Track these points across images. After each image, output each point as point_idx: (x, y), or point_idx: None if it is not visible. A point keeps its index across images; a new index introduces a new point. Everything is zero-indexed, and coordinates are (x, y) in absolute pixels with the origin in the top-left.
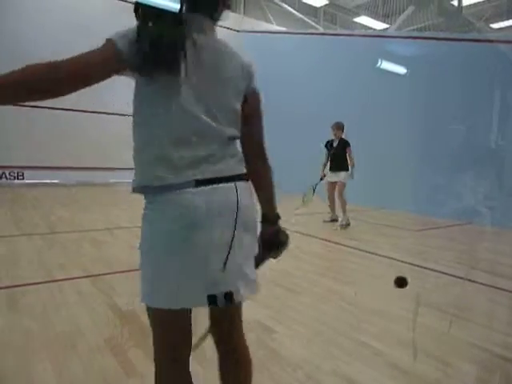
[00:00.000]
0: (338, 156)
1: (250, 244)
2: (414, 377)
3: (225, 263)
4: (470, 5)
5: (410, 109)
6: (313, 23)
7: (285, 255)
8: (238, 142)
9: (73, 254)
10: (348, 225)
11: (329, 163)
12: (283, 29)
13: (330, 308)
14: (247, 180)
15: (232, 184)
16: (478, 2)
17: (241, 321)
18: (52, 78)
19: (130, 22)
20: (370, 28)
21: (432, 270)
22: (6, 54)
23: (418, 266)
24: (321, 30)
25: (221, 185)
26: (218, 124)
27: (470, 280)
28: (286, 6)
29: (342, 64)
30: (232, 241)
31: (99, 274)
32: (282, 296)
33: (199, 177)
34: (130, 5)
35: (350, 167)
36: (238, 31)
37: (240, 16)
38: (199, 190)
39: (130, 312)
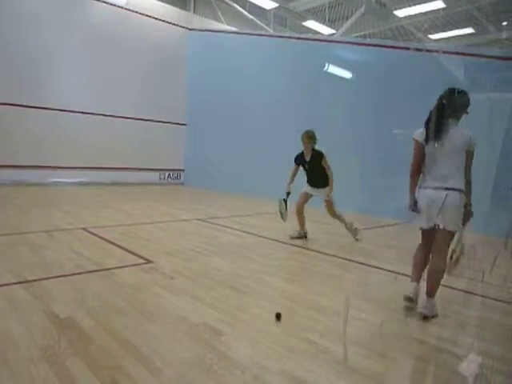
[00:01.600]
0: (315, 171)
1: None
2: (359, 373)
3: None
4: (410, 15)
5: (354, 112)
6: (263, 25)
7: (236, 256)
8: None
9: (6, 259)
10: (356, 232)
11: (307, 181)
12: (233, 28)
13: (277, 307)
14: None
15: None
16: (417, 14)
17: (446, 244)
18: None
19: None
20: (318, 32)
21: (375, 267)
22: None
23: (361, 263)
24: (270, 31)
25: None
26: None
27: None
28: (236, 6)
29: (289, 66)
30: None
31: (35, 280)
32: (230, 297)
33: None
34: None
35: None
36: (189, 29)
37: (190, 14)
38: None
39: (68, 319)
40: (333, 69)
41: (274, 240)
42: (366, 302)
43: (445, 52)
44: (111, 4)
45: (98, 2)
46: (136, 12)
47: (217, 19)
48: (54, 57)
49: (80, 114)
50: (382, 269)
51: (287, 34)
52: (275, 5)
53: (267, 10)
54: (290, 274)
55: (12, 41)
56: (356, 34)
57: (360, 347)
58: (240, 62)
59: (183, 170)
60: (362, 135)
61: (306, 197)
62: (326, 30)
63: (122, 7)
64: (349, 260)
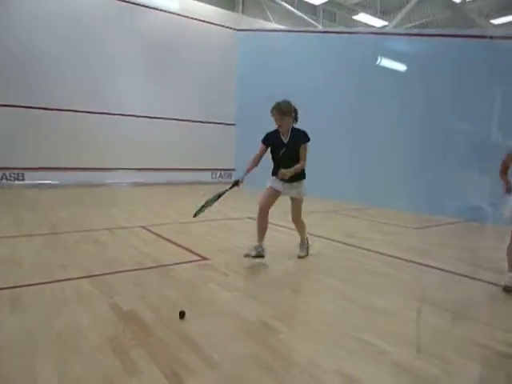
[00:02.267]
0: (291, 159)
1: None
2: (416, 375)
3: None
4: (469, 1)
5: (408, 106)
6: (312, 21)
7: (288, 255)
8: None
9: (74, 255)
10: (307, 250)
11: (273, 167)
12: (282, 27)
13: (333, 307)
14: None
15: None
16: None
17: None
18: None
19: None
20: (369, 25)
21: (432, 267)
22: (11, 53)
23: (417, 263)
24: (320, 27)
25: None
26: None
27: (470, 277)
28: (285, 4)
29: (339, 62)
30: None
31: (100, 274)
32: (284, 296)
33: None
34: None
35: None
36: (237, 30)
37: (239, 15)
38: None
39: (130, 312)
40: (386, 62)
41: (326, 238)
42: (423, 303)
43: (508, 38)
44: (164, 11)
45: (152, 10)
46: (186, 17)
47: (266, 18)
48: (114, 64)
49: (136, 118)
50: (439, 269)
51: (337, 29)
52: (324, 0)
53: (316, 6)
54: (344, 274)
55: (77, 52)
56: (410, 25)
57: (419, 350)
58: (288, 59)
59: (234, 170)
60: (420, 130)
61: (276, 195)
62: (377, 23)
63: (174, 13)
64: (404, 259)
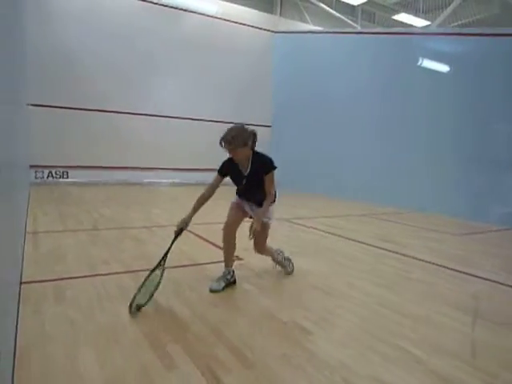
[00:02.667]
0: (255, 187)
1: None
2: None
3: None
4: None
5: (453, 109)
6: (350, 22)
7: (322, 258)
8: None
9: (114, 250)
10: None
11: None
12: (320, 28)
13: (367, 312)
14: None
15: None
16: None
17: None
18: None
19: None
20: (410, 25)
21: (474, 276)
22: (51, 55)
23: (458, 271)
24: (358, 28)
25: None
26: None
27: None
28: (323, 5)
29: (377, 62)
30: None
31: (139, 270)
32: (318, 298)
33: None
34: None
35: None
36: (274, 32)
37: (276, 17)
38: None
39: (168, 308)
40: (428, 63)
41: (361, 242)
42: (464, 313)
43: None
44: (202, 14)
45: (191, 13)
46: (224, 19)
47: (303, 20)
48: (154, 66)
49: (174, 119)
50: (482, 278)
51: (376, 30)
52: (363, 0)
53: (355, 7)
54: (380, 279)
55: (118, 55)
56: (454, 24)
57: (458, 360)
58: (326, 61)
59: None
60: (465, 133)
61: (244, 214)
62: (419, 22)
63: (212, 16)
64: (443, 267)
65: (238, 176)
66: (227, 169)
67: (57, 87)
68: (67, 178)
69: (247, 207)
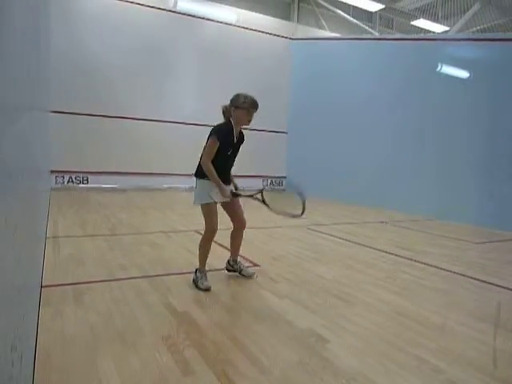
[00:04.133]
0: (233, 158)
1: None
2: None
3: None
4: None
5: (472, 115)
6: (368, 28)
7: (339, 265)
8: None
9: (132, 255)
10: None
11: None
12: (337, 35)
13: (385, 320)
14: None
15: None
16: None
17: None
18: None
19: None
20: (429, 31)
21: (494, 284)
22: (72, 63)
23: (478, 279)
24: (376, 34)
25: None
26: None
27: None
28: (340, 12)
29: (396, 68)
30: None
31: (156, 275)
32: (335, 306)
33: None
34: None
35: None
36: (291, 39)
37: (293, 24)
38: None
39: (185, 313)
40: (446, 69)
41: (379, 250)
42: (484, 323)
43: None
44: (222, 22)
45: (210, 22)
46: (243, 27)
47: (320, 27)
48: (173, 74)
49: (191, 126)
50: (502, 287)
51: (394, 36)
52: (381, 6)
53: (372, 13)
54: (398, 287)
55: (139, 63)
56: (474, 29)
57: (478, 371)
58: (343, 67)
59: (285, 177)
60: (485, 140)
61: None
62: (438, 28)
63: (231, 24)
64: (463, 275)
65: (228, 144)
66: (224, 135)
67: (77, 94)
68: (87, 183)
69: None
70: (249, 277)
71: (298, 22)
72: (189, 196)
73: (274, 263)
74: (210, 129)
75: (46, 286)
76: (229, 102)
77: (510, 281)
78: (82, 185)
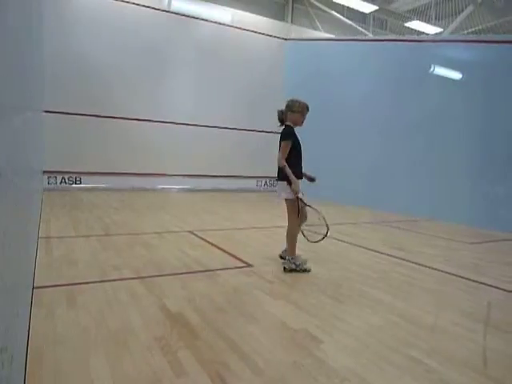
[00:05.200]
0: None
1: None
2: None
3: None
4: None
5: (465, 116)
6: (362, 29)
7: (332, 265)
8: None
9: (125, 256)
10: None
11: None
12: (331, 36)
13: (379, 320)
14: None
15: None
16: None
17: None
18: None
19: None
20: (422, 32)
21: (486, 284)
22: (65, 63)
23: (471, 279)
24: (370, 35)
25: None
26: None
27: None
28: (334, 13)
29: (389, 69)
30: None
31: (150, 276)
32: (329, 306)
33: None
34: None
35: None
36: (285, 39)
37: (288, 25)
38: None
39: (178, 314)
40: (440, 70)
41: (373, 250)
42: (476, 322)
43: None
44: (216, 22)
45: (205, 22)
46: (237, 27)
47: (315, 28)
48: (169, 74)
49: (186, 126)
50: (494, 287)
51: (388, 37)
52: (375, 8)
53: (366, 14)
54: (391, 287)
55: (135, 63)
56: (467, 31)
57: (472, 370)
58: (337, 68)
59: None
60: (478, 140)
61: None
62: (431, 30)
63: (225, 24)
64: (456, 275)
65: (298, 142)
66: (294, 135)
67: (70, 94)
68: (80, 183)
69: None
70: (305, 271)
71: (292, 22)
72: (183, 197)
73: (269, 263)
74: (205, 129)
75: (39, 287)
76: (284, 107)
77: (502, 281)
78: (75, 185)
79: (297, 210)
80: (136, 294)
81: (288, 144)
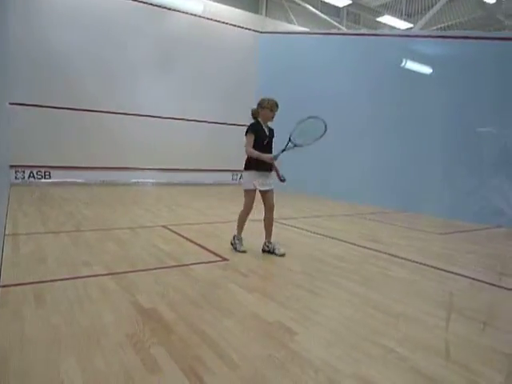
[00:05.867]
0: (270, 147)
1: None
2: (438, 383)
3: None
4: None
5: (435, 110)
6: (335, 23)
7: (308, 258)
8: None
9: (97, 252)
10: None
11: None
12: (305, 29)
13: (352, 311)
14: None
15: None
16: None
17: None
18: None
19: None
20: (394, 27)
21: (456, 273)
22: (36, 53)
23: (442, 269)
24: (343, 29)
25: None
26: None
27: (496, 285)
28: (308, 6)
29: (361, 64)
30: None
31: (122, 272)
32: (303, 298)
33: None
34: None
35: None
36: (260, 32)
37: (262, 17)
38: None
39: (151, 310)
40: (411, 65)
41: (347, 242)
42: (445, 310)
43: None
44: (188, 13)
45: (176, 12)
46: (210, 19)
47: (289, 21)
48: (137, 66)
49: (159, 119)
50: (463, 276)
51: (360, 31)
52: (348, 2)
53: (340, 8)
54: (365, 278)
55: (99, 54)
56: (437, 27)
57: (442, 357)
58: (311, 62)
59: None
60: (446, 133)
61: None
62: (402, 25)
63: (197, 15)
64: (427, 265)
65: (262, 135)
66: (256, 128)
67: (40, 86)
68: (49, 178)
69: (267, 184)
70: (281, 256)
71: (266, 15)
72: (158, 191)
73: (243, 257)
74: (179, 122)
75: (4, 286)
76: (256, 106)
77: (470, 269)
78: (44, 180)
79: (249, 201)
80: (108, 290)
81: (250, 136)
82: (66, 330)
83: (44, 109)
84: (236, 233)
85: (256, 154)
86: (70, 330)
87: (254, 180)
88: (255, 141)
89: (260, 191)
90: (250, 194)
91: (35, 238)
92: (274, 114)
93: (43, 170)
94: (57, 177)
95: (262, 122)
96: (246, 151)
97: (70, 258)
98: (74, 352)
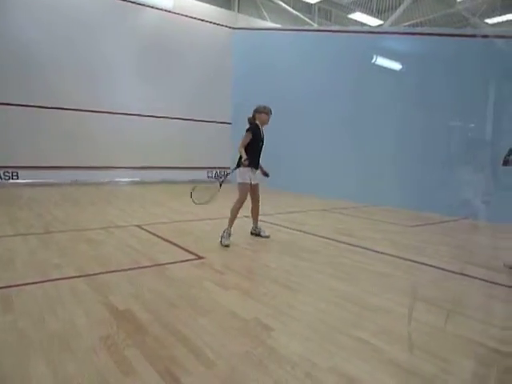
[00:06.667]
0: (261, 148)
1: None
2: (412, 373)
3: None
4: (460, 1)
5: (404, 105)
6: (307, 20)
7: (283, 253)
8: None
9: (68, 254)
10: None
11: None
12: (278, 25)
13: (328, 305)
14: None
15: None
16: None
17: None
18: None
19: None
20: (365, 24)
21: (427, 265)
22: (8, 50)
23: (413, 261)
24: (315, 26)
25: None
26: None
27: (465, 275)
28: (280, 2)
29: (334, 60)
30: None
31: (95, 274)
32: (280, 294)
33: None
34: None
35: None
36: (233, 28)
37: (234, 13)
38: None
39: (126, 311)
40: (381, 61)
41: (322, 237)
42: (418, 301)
43: (502, 37)
44: (159, 9)
45: (147, 8)
46: (181, 14)
47: (261, 17)
48: (109, 62)
49: (131, 116)
50: (434, 267)
51: (332, 28)
52: None
53: (311, 5)
54: (339, 272)
55: (73, 50)
56: (406, 24)
57: (415, 348)
58: (284, 58)
59: (230, 168)
60: (415, 128)
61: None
62: (373, 22)
63: (169, 11)
64: (399, 257)
65: (258, 137)
66: (255, 130)
67: (6, 83)
68: (17, 178)
69: (257, 179)
70: (266, 237)
71: (238, 11)
72: (131, 190)
73: (219, 254)
74: (151, 119)
75: None
76: (253, 112)
77: (441, 260)
78: (11, 180)
79: (244, 193)
80: (79, 292)
81: (248, 135)
82: (37, 335)
83: (10, 107)
84: (227, 226)
85: (243, 153)
86: (41, 335)
87: (248, 175)
88: (252, 141)
89: (251, 185)
90: (245, 187)
91: (3, 241)
92: (269, 118)
93: (11, 170)
94: (25, 177)
95: (260, 126)
96: (238, 148)
97: (40, 260)
98: (44, 358)
